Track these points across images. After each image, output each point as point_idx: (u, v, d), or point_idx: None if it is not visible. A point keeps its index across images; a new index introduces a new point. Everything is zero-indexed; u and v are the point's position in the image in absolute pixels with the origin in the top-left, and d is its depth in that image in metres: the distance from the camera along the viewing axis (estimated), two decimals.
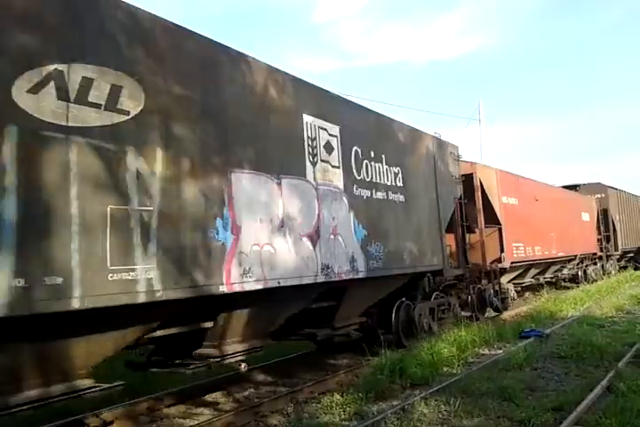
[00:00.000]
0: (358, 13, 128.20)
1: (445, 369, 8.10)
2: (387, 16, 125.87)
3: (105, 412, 6.17)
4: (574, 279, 21.24)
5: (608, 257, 25.24)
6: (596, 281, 21.90)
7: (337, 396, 6.76)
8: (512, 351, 8.77)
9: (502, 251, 14.08)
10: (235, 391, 7.41)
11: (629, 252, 29.14)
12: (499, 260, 14.00)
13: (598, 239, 23.76)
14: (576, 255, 20.46)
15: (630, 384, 6.29)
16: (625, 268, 29.41)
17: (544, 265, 18.09)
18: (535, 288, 19.04)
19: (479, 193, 13.34)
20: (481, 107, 26.35)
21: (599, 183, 25.86)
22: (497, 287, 13.84)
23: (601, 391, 6.41)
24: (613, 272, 25.54)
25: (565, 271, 20.41)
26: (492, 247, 13.64)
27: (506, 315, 13.68)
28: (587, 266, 22.18)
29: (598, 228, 23.84)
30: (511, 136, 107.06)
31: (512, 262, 14.69)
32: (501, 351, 9.24)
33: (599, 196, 24.83)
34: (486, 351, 9.43)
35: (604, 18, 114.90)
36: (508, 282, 15.82)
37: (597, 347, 8.67)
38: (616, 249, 25.51)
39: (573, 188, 24.66)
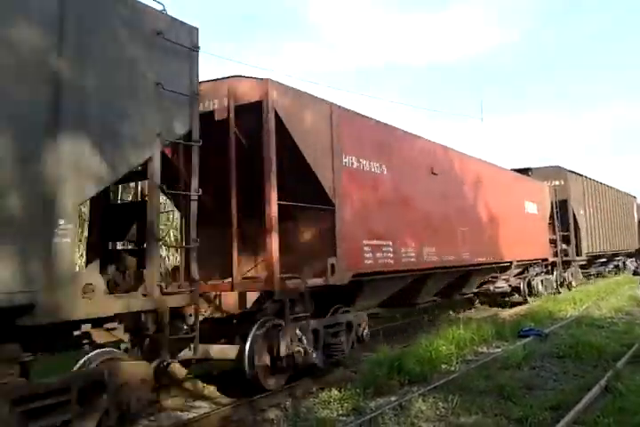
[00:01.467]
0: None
1: (444, 367, 8.10)
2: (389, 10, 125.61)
3: None
4: (513, 294, 15.88)
5: (566, 264, 19.61)
6: (555, 294, 17.49)
7: (335, 391, 6.78)
8: (510, 350, 8.78)
9: (334, 254, 7.58)
10: (232, 386, 7.41)
11: (600, 257, 24.02)
12: (323, 272, 7.45)
13: (552, 240, 18.26)
14: (511, 262, 14.29)
15: (628, 384, 6.30)
16: (597, 276, 25.27)
17: (449, 276, 11.67)
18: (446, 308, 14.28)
19: (271, 140, 6.89)
20: (483, 106, 26.28)
21: (558, 167, 19.98)
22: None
23: (599, 391, 6.42)
24: (574, 283, 19.99)
25: (501, 284, 14.79)
26: (312, 247, 7.65)
27: (505, 314, 13.67)
28: (533, 276, 16.71)
29: (553, 225, 18.53)
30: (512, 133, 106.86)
31: (358, 275, 8.11)
32: (500, 350, 9.24)
33: (557, 183, 19.34)
34: (485, 350, 9.44)
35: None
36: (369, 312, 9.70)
37: (596, 347, 8.68)
38: (579, 253, 20.11)
39: (524, 172, 18.35)
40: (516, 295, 15.91)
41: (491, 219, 13.05)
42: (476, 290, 14.55)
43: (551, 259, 17.95)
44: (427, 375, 7.45)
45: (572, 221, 19.70)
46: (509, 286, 15.03)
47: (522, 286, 15.87)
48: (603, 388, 6.53)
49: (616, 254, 26.79)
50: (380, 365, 7.30)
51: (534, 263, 16.76)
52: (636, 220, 31.01)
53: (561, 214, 19.00)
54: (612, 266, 27.23)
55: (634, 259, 30.37)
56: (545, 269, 17.90)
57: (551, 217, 18.43)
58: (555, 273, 18.62)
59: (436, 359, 8.06)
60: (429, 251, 10.08)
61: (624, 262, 28.96)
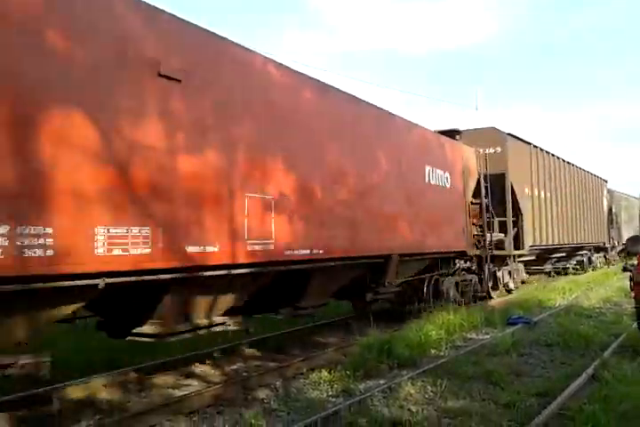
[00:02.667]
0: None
1: (433, 351, 8.19)
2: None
3: (94, 379, 6.22)
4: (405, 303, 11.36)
5: (496, 260, 14.19)
6: (484, 300, 13.48)
7: (325, 373, 6.84)
8: (499, 337, 8.87)
9: None
10: (224, 364, 7.46)
11: (555, 250, 19.70)
12: None
13: (478, 226, 13.05)
14: (388, 256, 9.18)
15: (615, 373, 6.37)
16: (548, 275, 21.12)
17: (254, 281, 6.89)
18: None
19: None
20: (479, 95, 25.20)
21: (493, 129, 15.13)
22: None
23: (586, 379, 6.50)
24: (513, 285, 15.58)
25: (383, 291, 9.55)
26: None
27: (494, 301, 13.78)
28: (442, 278, 11.65)
29: (481, 206, 13.13)
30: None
31: None
32: (489, 336, 9.33)
33: (492, 151, 14.57)
34: (474, 336, 9.52)
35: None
36: None
37: (584, 336, 8.78)
38: (519, 246, 15.26)
39: (451, 135, 12.66)
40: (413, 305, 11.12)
41: (348, 190, 8.11)
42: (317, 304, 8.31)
43: (474, 252, 12.62)
44: (416, 360, 7.54)
45: (509, 202, 14.72)
46: (391, 292, 9.85)
47: (426, 288, 11.08)
48: (590, 376, 6.62)
49: (579, 248, 22.38)
50: (369, 348, 7.35)
51: (443, 258, 11.61)
52: (605, 208, 26.24)
53: (496, 193, 14.03)
54: (574, 262, 22.81)
55: (602, 254, 26.51)
56: (466, 266, 12.63)
57: (481, 194, 13.18)
58: (485, 271, 13.23)
59: (425, 344, 8.13)
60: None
61: (589, 258, 24.00)
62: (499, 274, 14.67)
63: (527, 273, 18.22)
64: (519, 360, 7.79)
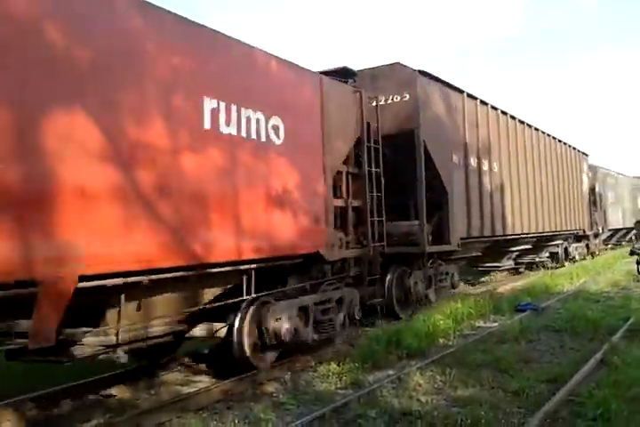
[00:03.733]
0: None
1: (441, 341, 8.18)
2: None
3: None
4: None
5: (413, 262, 10.41)
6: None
7: (333, 365, 6.84)
8: (508, 324, 8.86)
9: None
10: (233, 361, 7.46)
11: (511, 243, 14.67)
12: None
13: (343, 210, 8.37)
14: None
15: (624, 357, 6.37)
16: (515, 272, 18.13)
17: None
18: None
19: None
20: None
21: (399, 66, 10.50)
22: None
23: (595, 364, 6.49)
24: (433, 297, 10.78)
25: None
26: None
27: (502, 289, 13.75)
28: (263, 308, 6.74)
29: (360, 178, 8.72)
30: None
31: None
32: (497, 324, 9.31)
33: (397, 98, 10.28)
34: (482, 324, 9.51)
35: None
36: None
37: (592, 321, 8.77)
38: (447, 239, 10.70)
39: (341, 76, 8.98)
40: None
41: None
42: None
43: (336, 254, 7.87)
44: (424, 350, 7.53)
45: (421, 173, 9.90)
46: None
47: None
48: (598, 361, 6.61)
49: (551, 238, 17.83)
50: (377, 339, 7.36)
51: (274, 271, 7.01)
52: (585, 187, 21.58)
53: (404, 161, 9.90)
54: (546, 254, 18.76)
55: (582, 244, 21.76)
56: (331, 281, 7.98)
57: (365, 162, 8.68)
58: (378, 282, 9.14)
59: (433, 334, 8.13)
60: None
61: (566, 249, 19.83)
62: (408, 282, 10.00)
63: (481, 272, 15.89)
64: (528, 347, 7.79)
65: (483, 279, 16.74)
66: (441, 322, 8.64)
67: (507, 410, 5.22)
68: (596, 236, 23.53)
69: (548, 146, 17.31)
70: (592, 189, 22.70)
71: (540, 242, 17.14)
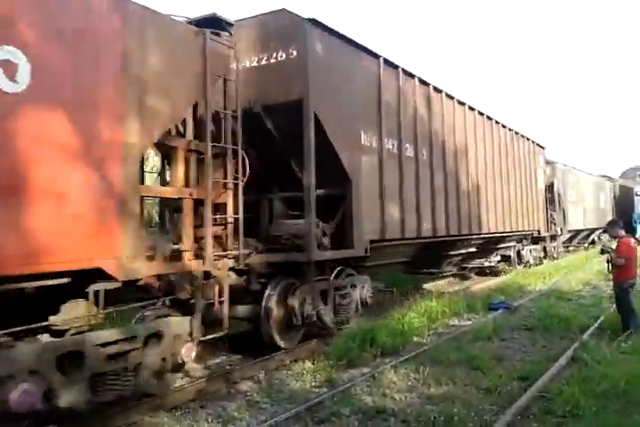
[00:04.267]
0: None
1: (416, 339, 8.23)
2: None
3: None
4: None
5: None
6: None
7: (308, 363, 6.85)
8: (481, 323, 8.95)
9: None
10: (207, 359, 7.43)
11: (450, 245, 12.37)
12: None
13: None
14: None
15: (594, 355, 6.47)
16: (462, 277, 16.07)
17: None
18: None
19: None
20: None
21: (285, 12, 7.83)
22: None
23: (565, 362, 6.60)
24: (330, 321, 7.99)
25: None
26: None
27: (476, 287, 13.89)
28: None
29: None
30: None
31: None
32: (471, 322, 9.40)
33: (280, 57, 7.79)
34: (456, 322, 9.59)
35: None
36: None
37: (564, 319, 8.90)
38: (348, 242, 8.21)
39: (212, 27, 6.54)
40: None
41: None
42: None
43: (107, 263, 4.73)
44: (399, 348, 7.58)
45: (309, 155, 7.51)
46: None
47: None
48: (569, 359, 6.72)
49: (501, 240, 15.53)
50: (352, 337, 7.37)
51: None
52: (541, 183, 19.25)
53: (294, 141, 7.66)
54: (497, 258, 16.66)
55: (539, 247, 19.54)
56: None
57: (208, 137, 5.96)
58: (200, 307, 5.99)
59: (408, 332, 8.17)
60: None
61: (519, 252, 17.66)
62: (292, 301, 7.51)
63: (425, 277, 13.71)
64: (501, 345, 7.89)
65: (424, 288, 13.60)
66: (415, 320, 8.70)
67: (479, 407, 5.29)
68: (554, 237, 21.16)
69: (497, 134, 14.77)
70: (550, 187, 20.55)
71: (489, 244, 14.82)
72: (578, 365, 6.40)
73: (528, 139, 17.92)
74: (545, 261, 19.49)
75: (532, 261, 18.29)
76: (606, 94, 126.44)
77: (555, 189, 21.28)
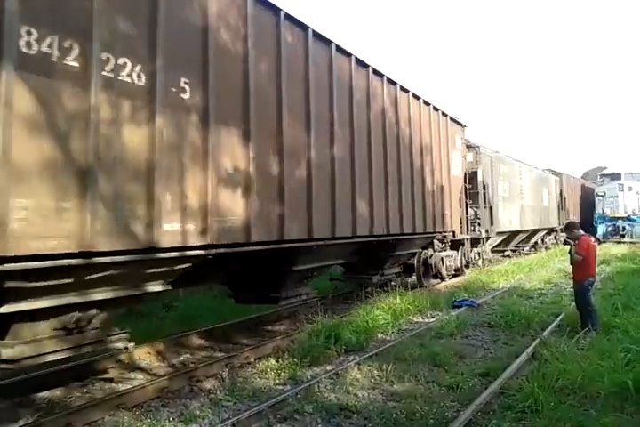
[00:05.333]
0: None
1: (380, 336, 8.29)
2: None
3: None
4: None
5: None
6: None
7: (272, 361, 6.84)
8: (444, 320, 9.04)
9: None
10: (170, 357, 7.35)
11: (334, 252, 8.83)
12: None
13: None
14: None
15: (553, 352, 6.58)
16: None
17: None
18: None
19: None
20: None
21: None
22: None
23: (526, 358, 6.72)
24: None
25: None
26: None
27: (440, 285, 14.03)
28: None
29: None
30: None
31: None
32: (434, 320, 9.49)
33: None
34: (420, 319, 9.68)
35: None
36: None
37: (525, 317, 9.05)
38: None
39: None
40: None
41: None
42: None
43: None
44: (363, 345, 7.61)
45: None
46: None
47: None
48: (529, 355, 6.84)
49: (399, 244, 11.20)
50: (317, 335, 7.38)
51: None
52: (460, 172, 14.58)
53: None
54: (394, 270, 12.23)
55: (457, 253, 14.53)
56: None
57: None
58: None
59: (372, 329, 8.23)
60: None
61: (425, 260, 12.91)
62: None
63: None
64: (463, 342, 7.99)
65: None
66: (380, 317, 8.75)
67: (441, 404, 5.36)
68: (479, 242, 16.84)
69: (388, 97, 10.42)
70: (472, 177, 16.26)
71: (379, 251, 10.61)
72: (538, 361, 6.52)
73: (437, 109, 12.88)
74: (467, 271, 15.37)
75: (445, 273, 13.48)
76: (569, 98, 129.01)
77: (479, 180, 16.75)
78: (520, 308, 9.69)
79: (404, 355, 6.96)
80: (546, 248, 27.25)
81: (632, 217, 30.92)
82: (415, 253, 12.60)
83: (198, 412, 5.25)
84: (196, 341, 8.15)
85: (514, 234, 21.42)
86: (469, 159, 16.35)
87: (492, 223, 17.75)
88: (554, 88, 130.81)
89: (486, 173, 17.62)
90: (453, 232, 13.81)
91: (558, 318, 9.04)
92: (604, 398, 5.20)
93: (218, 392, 5.87)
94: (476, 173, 16.68)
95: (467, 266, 15.50)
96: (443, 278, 13.64)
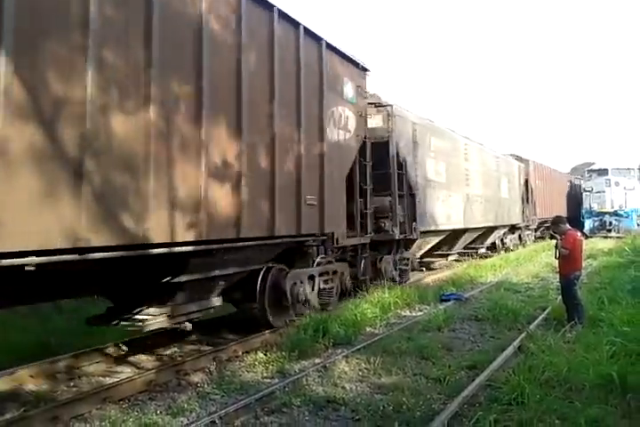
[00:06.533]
0: None
1: (368, 329, 8.31)
2: None
3: (20, 370, 5.98)
4: None
5: None
6: None
7: (260, 354, 6.84)
8: (432, 313, 9.08)
9: None
10: (158, 351, 7.33)
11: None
12: None
13: None
14: None
15: (539, 345, 6.64)
16: None
17: None
18: None
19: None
20: None
21: None
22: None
23: (512, 351, 6.77)
24: None
25: None
26: None
27: (429, 279, 14.09)
28: None
29: None
30: None
31: None
32: (422, 313, 9.54)
33: None
34: (408, 313, 9.72)
35: None
36: None
37: (512, 310, 9.11)
38: None
39: None
40: None
41: None
42: None
43: None
44: (351, 338, 7.63)
45: None
46: None
47: None
48: (516, 348, 6.89)
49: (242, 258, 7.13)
50: (305, 328, 7.39)
51: None
52: (354, 143, 9.83)
53: None
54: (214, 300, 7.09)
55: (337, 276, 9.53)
56: None
57: None
58: None
59: (360, 322, 8.25)
60: None
61: (291, 291, 8.15)
62: None
63: None
64: (451, 335, 8.04)
65: None
66: (368, 311, 8.77)
67: (428, 396, 5.38)
68: (392, 245, 11.97)
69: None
70: (378, 150, 10.99)
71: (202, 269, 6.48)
72: (524, 354, 6.56)
73: (312, 35, 8.52)
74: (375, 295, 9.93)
75: (315, 302, 8.81)
76: (558, 94, 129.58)
77: (390, 154, 11.55)
78: (507, 301, 9.74)
79: (391, 348, 6.99)
80: (507, 250, 21.83)
81: (619, 212, 31.20)
82: (256, 271, 7.73)
83: (186, 405, 5.24)
84: (184, 334, 8.11)
85: (456, 233, 16.13)
86: (375, 123, 11.34)
87: (414, 219, 12.43)
88: (542, 84, 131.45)
89: (406, 147, 12.35)
90: (332, 234, 8.98)
91: (545, 312, 9.11)
92: (588, 390, 5.24)
93: (205, 386, 5.86)
94: (386, 144, 11.51)
95: (360, 286, 10.17)
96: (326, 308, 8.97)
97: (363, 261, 10.49)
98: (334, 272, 9.42)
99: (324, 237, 8.85)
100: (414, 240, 12.86)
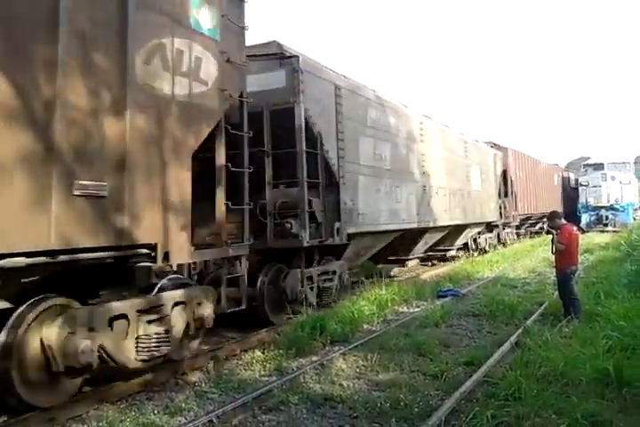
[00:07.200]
0: None
1: (365, 326, 8.32)
2: None
3: None
4: None
5: None
6: None
7: (258, 353, 6.84)
8: (429, 309, 9.09)
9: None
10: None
11: None
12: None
13: None
14: None
15: (536, 340, 6.65)
16: None
17: None
18: None
19: None
20: None
21: None
22: None
23: (509, 347, 6.78)
24: None
25: None
26: None
27: (425, 275, 14.08)
28: None
29: None
30: None
31: None
32: (419, 309, 9.54)
33: None
34: (405, 309, 9.72)
35: None
36: None
37: (509, 306, 9.12)
38: None
39: None
40: None
41: None
42: None
43: None
44: (348, 335, 7.63)
45: None
46: None
47: None
48: (513, 344, 6.91)
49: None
50: (302, 326, 7.39)
51: None
52: (215, 100, 6.33)
53: None
54: None
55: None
56: None
57: None
58: None
59: (358, 319, 8.25)
60: None
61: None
62: None
63: None
64: (448, 331, 8.05)
65: None
66: (365, 308, 8.77)
67: (425, 393, 5.40)
68: (302, 257, 8.73)
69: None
70: (278, 119, 8.42)
71: None
72: (521, 350, 6.57)
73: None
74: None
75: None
76: (554, 90, 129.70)
77: (296, 124, 8.38)
78: (504, 297, 9.76)
79: (389, 345, 7.00)
80: (481, 252, 18.96)
81: (615, 206, 31.23)
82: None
83: (183, 404, 5.24)
84: None
85: (412, 234, 12.86)
86: (277, 82, 8.52)
87: (338, 218, 9.11)
88: (538, 80, 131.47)
89: (322, 116, 9.01)
90: (156, 247, 5.53)
91: (542, 307, 9.12)
92: (585, 384, 5.25)
93: (203, 385, 5.86)
94: (291, 111, 8.43)
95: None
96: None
97: (243, 282, 7.06)
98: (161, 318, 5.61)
99: (133, 253, 5.31)
100: (345, 246, 9.61)
